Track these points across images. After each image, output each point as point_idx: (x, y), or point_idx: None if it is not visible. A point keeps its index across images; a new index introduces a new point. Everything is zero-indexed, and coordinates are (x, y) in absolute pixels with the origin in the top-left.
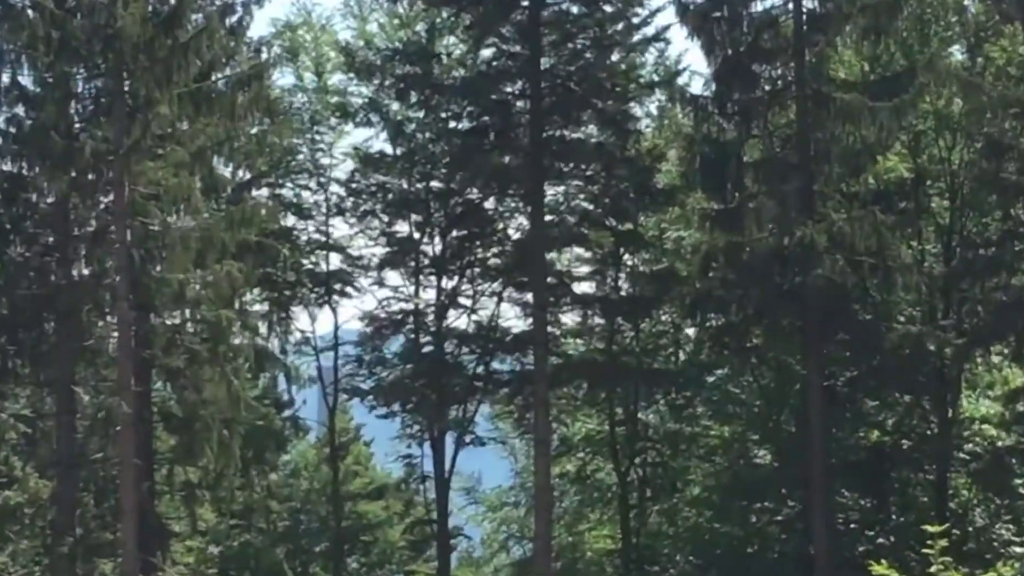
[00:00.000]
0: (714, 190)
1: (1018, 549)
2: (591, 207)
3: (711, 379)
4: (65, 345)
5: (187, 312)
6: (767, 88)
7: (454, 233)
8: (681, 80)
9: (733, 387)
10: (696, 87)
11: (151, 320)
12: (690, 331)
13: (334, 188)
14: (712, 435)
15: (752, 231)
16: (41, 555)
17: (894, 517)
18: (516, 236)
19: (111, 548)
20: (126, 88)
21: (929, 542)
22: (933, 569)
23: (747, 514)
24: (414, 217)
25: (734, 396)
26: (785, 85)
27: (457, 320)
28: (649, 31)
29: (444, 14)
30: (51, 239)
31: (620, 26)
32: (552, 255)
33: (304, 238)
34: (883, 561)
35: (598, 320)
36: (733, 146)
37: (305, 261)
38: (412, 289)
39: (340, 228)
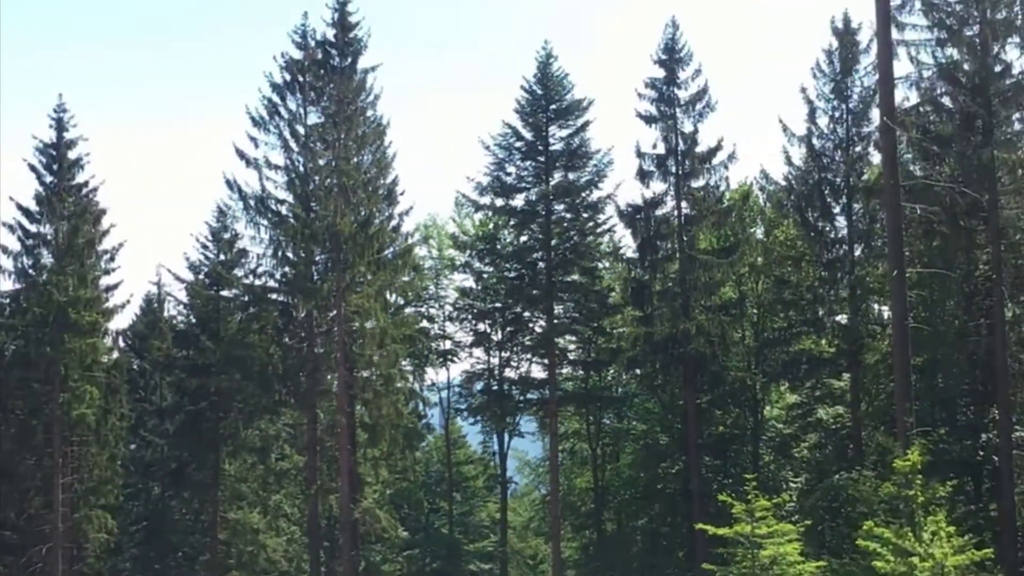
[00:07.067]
0: (638, 305)
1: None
2: (578, 315)
3: (637, 399)
4: (312, 388)
5: (374, 370)
6: (664, 253)
7: (507, 329)
8: (621, 248)
9: (648, 404)
10: (629, 251)
11: (355, 374)
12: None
13: (447, 305)
14: (636, 429)
15: (658, 326)
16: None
17: (734, 470)
18: (540, 331)
19: (333, 484)
20: (342, 256)
21: (746, 481)
22: (749, 497)
23: (655, 469)
24: (485, 322)
25: (649, 408)
26: (673, 251)
27: (510, 372)
28: (605, 225)
29: (501, 220)
30: (303, 335)
31: (589, 224)
32: (559, 340)
33: (432, 332)
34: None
35: (581, 372)
36: (648, 283)
37: (433, 344)
38: (486, 358)
39: (450, 327)
